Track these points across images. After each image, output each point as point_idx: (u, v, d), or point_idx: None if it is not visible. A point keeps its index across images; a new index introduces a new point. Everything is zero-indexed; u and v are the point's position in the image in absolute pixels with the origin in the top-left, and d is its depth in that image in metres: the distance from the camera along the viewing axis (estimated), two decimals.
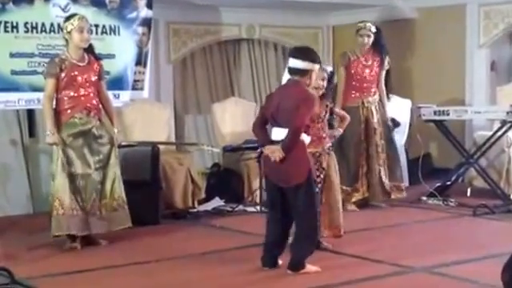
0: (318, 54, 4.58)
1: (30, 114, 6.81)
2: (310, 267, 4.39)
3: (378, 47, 6.56)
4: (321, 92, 4.82)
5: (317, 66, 4.44)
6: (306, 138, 4.39)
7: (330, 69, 4.99)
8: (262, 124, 4.51)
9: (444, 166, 7.62)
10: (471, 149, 6.95)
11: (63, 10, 6.33)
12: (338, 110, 5.35)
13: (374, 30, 6.52)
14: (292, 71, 4.41)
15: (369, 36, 6.49)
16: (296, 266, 4.37)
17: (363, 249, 4.90)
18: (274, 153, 4.28)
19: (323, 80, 4.83)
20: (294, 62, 4.39)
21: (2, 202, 6.51)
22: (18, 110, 6.59)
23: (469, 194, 6.94)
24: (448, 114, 6.64)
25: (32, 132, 6.87)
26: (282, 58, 9.14)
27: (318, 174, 4.79)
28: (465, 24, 8.04)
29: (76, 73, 5.18)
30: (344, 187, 6.25)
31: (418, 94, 8.23)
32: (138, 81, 6.98)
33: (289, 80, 4.44)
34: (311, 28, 9.08)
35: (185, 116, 8.36)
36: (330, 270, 4.43)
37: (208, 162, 7.86)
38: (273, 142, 4.37)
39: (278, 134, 4.35)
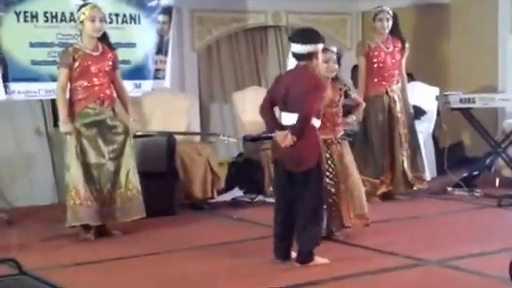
0: (318, 33, 4.41)
1: (54, 103, 6.82)
2: (318, 259, 4.29)
3: (396, 33, 6.36)
4: (333, 74, 4.70)
5: (320, 46, 4.31)
6: (316, 123, 4.30)
7: (335, 49, 4.82)
8: (271, 107, 4.40)
9: (477, 155, 7.39)
10: (500, 138, 6.73)
11: None
12: (353, 94, 5.13)
13: (391, 13, 6.31)
14: (296, 56, 4.28)
15: (388, 20, 6.28)
16: (304, 258, 4.27)
17: (377, 241, 4.78)
18: (285, 139, 4.19)
19: (334, 63, 4.71)
20: (297, 48, 4.26)
21: (27, 191, 6.57)
22: (42, 100, 6.64)
23: (497, 184, 6.72)
24: (474, 102, 6.42)
25: (56, 121, 6.87)
26: None
27: (328, 163, 4.68)
28: (497, 8, 7.77)
29: (89, 62, 5.16)
30: (371, 179, 6.12)
31: (450, 81, 8.02)
32: (159, 70, 6.98)
33: (296, 65, 4.31)
34: (340, 14, 8.90)
35: (210, 105, 8.31)
36: (338, 262, 4.34)
37: (234, 151, 7.80)
38: (283, 127, 4.28)
39: (288, 118, 4.25)
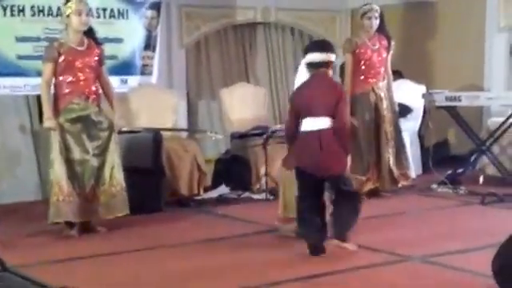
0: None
1: (40, 99, 6.81)
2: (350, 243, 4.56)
3: (383, 30, 6.38)
4: None
5: (334, 56, 4.63)
6: None
7: None
8: (296, 121, 4.55)
9: (461, 152, 7.43)
10: (485, 136, 6.77)
11: None
12: None
13: (379, 11, 6.33)
14: (316, 65, 4.54)
15: (376, 18, 6.30)
16: (344, 235, 4.54)
17: (361, 237, 4.76)
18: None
19: None
20: (316, 56, 4.53)
21: (11, 187, 6.53)
22: (27, 96, 6.60)
23: (481, 181, 6.76)
24: (460, 100, 6.46)
25: (42, 117, 6.87)
26: (300, 43, 9.04)
27: None
28: (484, 7, 7.80)
29: (74, 57, 5.13)
30: (358, 177, 6.13)
31: (436, 79, 8.06)
32: (147, 66, 6.97)
33: (315, 74, 4.53)
34: (329, 11, 8.91)
35: (198, 102, 8.30)
36: (321, 259, 4.37)
37: (222, 148, 7.80)
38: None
39: (314, 123, 4.41)
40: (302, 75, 4.63)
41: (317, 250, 4.44)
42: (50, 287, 3.90)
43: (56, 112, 5.13)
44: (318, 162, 4.41)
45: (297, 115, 4.53)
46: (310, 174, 4.45)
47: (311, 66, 4.54)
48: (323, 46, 4.65)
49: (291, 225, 4.80)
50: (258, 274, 4.13)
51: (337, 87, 4.57)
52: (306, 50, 4.66)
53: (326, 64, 4.54)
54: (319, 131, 4.40)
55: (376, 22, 6.32)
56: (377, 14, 6.31)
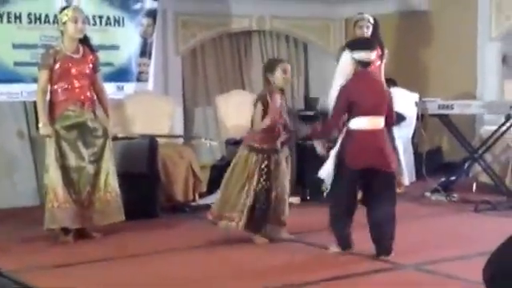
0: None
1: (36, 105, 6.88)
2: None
3: (376, 39, 6.45)
4: (287, 85, 5.15)
5: None
6: None
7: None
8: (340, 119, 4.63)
9: (455, 160, 7.50)
10: (477, 144, 6.84)
11: (67, 0, 6.35)
12: None
13: (372, 21, 6.43)
14: (368, 63, 4.62)
15: (368, 27, 6.40)
16: (391, 250, 4.56)
17: (356, 245, 4.79)
18: None
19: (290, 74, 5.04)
20: (365, 55, 4.59)
21: (8, 193, 6.58)
22: (24, 102, 6.64)
23: (474, 189, 6.83)
24: (452, 108, 6.54)
25: (38, 124, 6.93)
26: (294, 50, 9.12)
27: (265, 170, 4.92)
28: (476, 16, 7.91)
29: (70, 64, 5.18)
30: None
31: (430, 88, 8.15)
32: (143, 73, 7.01)
33: (364, 72, 4.59)
34: (323, 19, 9.01)
35: (194, 108, 8.36)
36: (314, 266, 4.41)
37: (218, 155, 7.84)
38: None
39: (375, 121, 4.52)
40: (344, 71, 4.67)
41: (349, 245, 4.66)
42: None
43: (52, 119, 5.17)
44: (383, 157, 4.52)
45: (346, 110, 4.55)
46: (360, 172, 4.50)
47: (363, 63, 4.58)
48: (372, 45, 4.80)
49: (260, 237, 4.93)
50: (253, 279, 4.17)
51: (384, 87, 4.76)
52: (356, 47, 4.66)
53: (372, 62, 4.73)
54: (380, 130, 4.55)
55: (368, 31, 6.42)
56: (368, 24, 6.42)
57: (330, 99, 4.81)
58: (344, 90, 4.56)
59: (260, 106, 4.94)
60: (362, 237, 4.84)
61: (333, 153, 4.60)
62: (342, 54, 6.40)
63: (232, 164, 5.11)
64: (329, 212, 4.65)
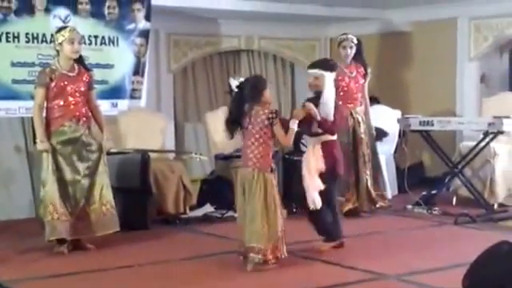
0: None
1: (33, 121, 7.03)
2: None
3: (360, 58, 6.70)
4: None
5: None
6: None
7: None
8: None
9: (436, 174, 7.74)
10: (457, 159, 7.07)
11: (63, 21, 6.53)
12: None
13: (355, 41, 6.65)
14: None
15: (351, 47, 6.62)
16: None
17: (338, 255, 5.00)
18: None
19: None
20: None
21: (5, 205, 6.73)
22: (22, 118, 6.80)
23: (454, 203, 7.02)
24: (433, 125, 6.75)
25: (35, 139, 7.08)
26: (281, 69, 9.39)
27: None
28: (456, 37, 8.19)
29: (66, 83, 5.32)
30: (338, 197, 6.39)
31: (411, 105, 8.42)
32: (136, 90, 7.19)
33: None
34: (309, 40, 9.27)
35: (185, 125, 8.58)
36: (298, 276, 4.54)
37: (208, 169, 8.05)
38: None
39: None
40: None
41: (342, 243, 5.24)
42: None
43: (48, 134, 5.31)
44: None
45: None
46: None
47: None
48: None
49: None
50: None
51: None
52: (334, 68, 5.34)
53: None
54: None
55: (351, 51, 6.64)
56: (352, 44, 6.62)
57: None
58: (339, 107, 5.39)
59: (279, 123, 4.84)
60: (344, 249, 5.06)
61: (310, 168, 5.05)
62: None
63: (261, 191, 4.83)
64: (332, 211, 5.17)
